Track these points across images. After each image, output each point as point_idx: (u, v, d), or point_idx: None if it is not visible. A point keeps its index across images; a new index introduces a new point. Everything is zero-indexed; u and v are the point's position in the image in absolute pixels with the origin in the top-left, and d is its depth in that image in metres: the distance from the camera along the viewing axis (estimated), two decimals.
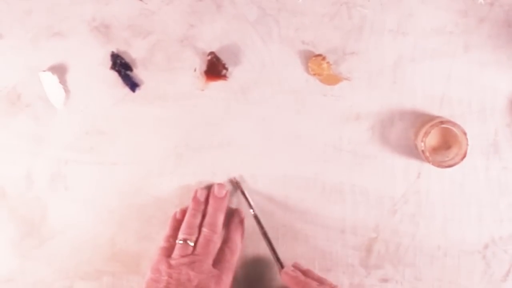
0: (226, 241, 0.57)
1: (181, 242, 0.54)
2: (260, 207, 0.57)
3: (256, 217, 0.58)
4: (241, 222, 0.59)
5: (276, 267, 0.57)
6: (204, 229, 0.55)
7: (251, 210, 0.58)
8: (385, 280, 0.60)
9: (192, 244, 0.54)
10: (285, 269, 0.55)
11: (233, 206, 0.60)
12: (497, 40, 0.59)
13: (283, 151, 0.60)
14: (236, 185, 0.59)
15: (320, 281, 0.54)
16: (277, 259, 0.56)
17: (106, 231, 0.60)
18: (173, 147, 0.60)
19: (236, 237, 0.57)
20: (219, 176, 0.60)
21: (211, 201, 0.57)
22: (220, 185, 0.59)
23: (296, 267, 0.56)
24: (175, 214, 0.58)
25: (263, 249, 0.58)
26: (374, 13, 0.59)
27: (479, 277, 0.59)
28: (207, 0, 0.60)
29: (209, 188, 0.59)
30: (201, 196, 0.58)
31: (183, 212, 0.58)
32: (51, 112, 0.60)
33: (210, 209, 0.57)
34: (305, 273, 0.55)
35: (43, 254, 0.60)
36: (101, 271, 0.60)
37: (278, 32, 0.60)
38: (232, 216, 0.59)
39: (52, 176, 0.60)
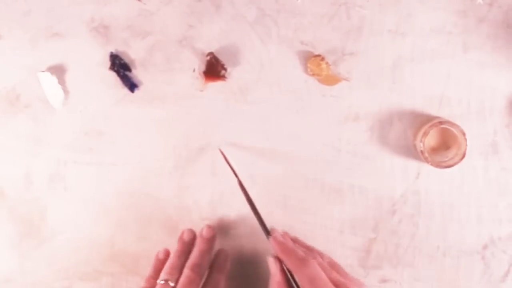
0: (208, 280, 0.55)
1: (162, 282, 0.53)
2: (259, 207, 0.57)
3: (241, 184, 0.57)
4: (225, 262, 0.57)
5: (262, 233, 0.55)
6: (186, 270, 0.54)
7: (236, 178, 0.57)
8: (384, 281, 0.60)
9: (172, 284, 0.53)
10: (274, 234, 0.53)
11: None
12: (496, 40, 0.59)
13: (282, 152, 0.60)
14: (220, 154, 0.59)
15: (308, 249, 0.54)
16: (263, 225, 0.55)
17: (105, 232, 0.60)
18: (172, 147, 0.60)
19: (219, 278, 0.56)
20: (219, 177, 0.60)
21: (198, 241, 0.57)
22: (209, 226, 0.58)
23: (285, 234, 0.55)
24: (157, 254, 0.57)
25: (247, 216, 0.59)
26: (373, 13, 0.59)
27: (478, 277, 0.59)
28: (206, 0, 0.60)
29: (195, 231, 0.58)
30: (187, 237, 0.57)
31: (166, 252, 0.57)
32: (50, 113, 0.60)
33: (195, 249, 0.56)
34: (293, 241, 0.55)
35: (42, 254, 0.61)
36: (100, 272, 0.60)
37: (277, 33, 0.60)
38: (217, 255, 0.58)
39: (51, 176, 0.60)
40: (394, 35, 0.59)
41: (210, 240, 0.57)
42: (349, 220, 0.60)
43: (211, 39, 0.60)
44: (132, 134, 0.60)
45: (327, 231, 0.60)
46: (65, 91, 0.60)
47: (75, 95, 0.60)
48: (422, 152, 0.56)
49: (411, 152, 0.59)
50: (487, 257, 0.59)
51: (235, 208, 0.60)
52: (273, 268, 0.51)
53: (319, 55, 0.59)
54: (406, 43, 0.59)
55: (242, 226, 0.60)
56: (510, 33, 0.58)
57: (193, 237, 0.58)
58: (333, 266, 0.52)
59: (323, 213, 0.60)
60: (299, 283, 0.50)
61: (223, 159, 0.58)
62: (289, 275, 0.51)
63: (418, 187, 0.59)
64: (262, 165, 0.60)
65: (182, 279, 0.53)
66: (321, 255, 0.53)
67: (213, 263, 0.57)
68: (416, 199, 0.59)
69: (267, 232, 0.54)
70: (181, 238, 0.58)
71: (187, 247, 0.57)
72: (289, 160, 0.60)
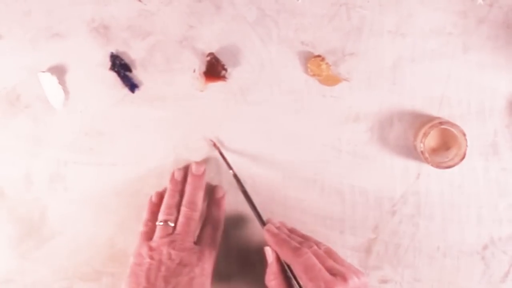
0: (207, 218, 0.57)
1: (161, 223, 0.55)
2: (259, 207, 0.57)
3: (235, 176, 0.57)
4: (222, 198, 0.59)
5: (257, 223, 0.56)
6: (183, 208, 0.55)
7: (231, 171, 0.58)
8: (384, 281, 0.60)
9: (172, 224, 0.55)
10: (267, 226, 0.54)
11: (213, 167, 0.60)
12: (496, 41, 0.59)
13: (282, 152, 0.60)
14: (214, 147, 0.59)
15: (304, 238, 0.55)
16: (259, 216, 0.56)
17: (105, 232, 0.60)
18: (172, 147, 0.60)
19: (217, 214, 0.58)
20: (219, 177, 0.60)
21: (189, 179, 0.57)
22: (198, 163, 0.59)
23: (281, 225, 0.56)
24: (150, 198, 0.58)
25: (242, 206, 0.58)
26: (373, 14, 0.59)
27: (478, 278, 0.59)
28: (206, 1, 0.60)
29: (186, 168, 0.59)
30: (179, 176, 0.58)
31: (159, 195, 0.58)
32: (50, 113, 0.60)
33: (188, 187, 0.57)
34: (290, 231, 0.56)
35: (42, 254, 0.60)
36: (100, 272, 0.60)
37: (277, 33, 0.60)
38: (213, 193, 0.59)
39: (51, 176, 0.60)
40: (394, 35, 0.59)
41: (201, 176, 0.58)
42: (349, 221, 0.60)
43: (211, 40, 0.60)
44: (132, 134, 0.60)
45: (327, 231, 0.60)
46: (65, 91, 0.60)
47: (76, 96, 0.60)
48: (422, 152, 0.56)
49: (411, 152, 0.59)
50: (487, 258, 0.59)
51: (235, 208, 0.60)
52: (270, 258, 0.52)
53: (319, 56, 0.59)
54: (406, 43, 0.59)
55: (243, 225, 0.60)
56: (510, 34, 0.58)
57: (184, 176, 0.58)
58: (330, 254, 0.52)
59: (323, 213, 0.60)
60: (294, 272, 0.50)
61: (217, 152, 0.59)
62: (285, 265, 0.51)
63: (418, 188, 0.59)
64: (263, 165, 0.60)
65: (181, 219, 0.55)
66: (317, 243, 0.53)
67: (210, 200, 0.59)
68: (416, 199, 0.59)
69: (262, 223, 0.55)
70: (172, 178, 0.58)
71: (179, 186, 0.57)
72: (289, 161, 0.60)
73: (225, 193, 0.59)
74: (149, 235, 0.55)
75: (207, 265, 0.54)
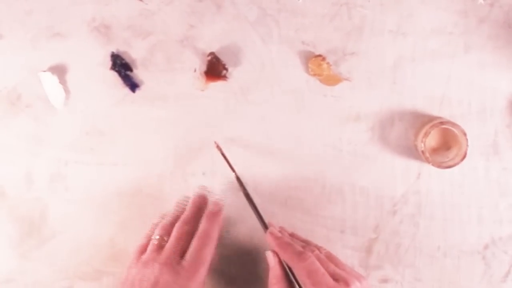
0: (198, 232, 0.53)
1: (157, 237, 0.53)
2: (260, 207, 0.57)
3: (238, 179, 0.57)
4: (218, 213, 0.55)
5: (259, 226, 0.56)
6: (178, 223, 0.53)
7: (233, 173, 0.57)
8: (385, 281, 0.60)
9: (166, 240, 0.52)
10: (270, 229, 0.54)
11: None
12: (497, 40, 0.59)
13: (283, 152, 0.60)
14: (216, 148, 0.59)
15: (305, 242, 0.55)
16: (261, 219, 0.55)
17: (106, 232, 0.60)
18: (173, 147, 0.60)
19: (209, 228, 0.53)
20: (219, 177, 0.60)
21: (205, 215, 0.55)
22: (216, 202, 0.56)
23: (282, 229, 0.56)
24: (153, 221, 0.57)
25: (243, 209, 0.58)
26: (374, 13, 0.59)
27: (479, 277, 0.59)
28: (207, 0, 0.60)
29: (197, 201, 0.56)
30: (185, 206, 0.56)
31: (162, 216, 0.57)
32: (51, 113, 0.60)
33: (189, 205, 0.55)
34: (291, 235, 0.55)
35: (43, 254, 0.60)
36: (101, 272, 0.60)
37: (278, 33, 0.60)
38: (210, 204, 0.56)
39: (52, 176, 0.60)
40: (395, 35, 0.59)
41: (218, 213, 0.55)
42: (350, 220, 0.60)
43: (212, 39, 0.60)
44: (133, 134, 0.60)
45: (328, 231, 0.60)
46: (66, 91, 0.60)
47: (76, 95, 0.60)
48: (423, 152, 0.56)
49: (412, 152, 0.59)
50: (488, 258, 0.59)
51: (235, 207, 0.60)
52: (272, 262, 0.52)
53: (320, 55, 0.59)
54: (407, 43, 0.59)
55: (242, 225, 0.60)
56: (511, 33, 0.59)
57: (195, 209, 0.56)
58: (331, 258, 0.52)
59: (324, 213, 0.60)
60: (297, 277, 0.50)
61: (220, 154, 0.58)
62: (287, 269, 0.51)
63: (419, 188, 0.59)
64: (263, 165, 0.60)
65: (174, 232, 0.52)
66: (318, 248, 0.53)
67: (205, 214, 0.55)
68: (417, 199, 0.59)
69: (265, 226, 0.55)
70: (178, 204, 0.57)
71: (181, 212, 0.55)
72: (290, 160, 0.60)
73: (222, 208, 0.55)
74: (143, 249, 0.54)
75: (193, 283, 0.50)
